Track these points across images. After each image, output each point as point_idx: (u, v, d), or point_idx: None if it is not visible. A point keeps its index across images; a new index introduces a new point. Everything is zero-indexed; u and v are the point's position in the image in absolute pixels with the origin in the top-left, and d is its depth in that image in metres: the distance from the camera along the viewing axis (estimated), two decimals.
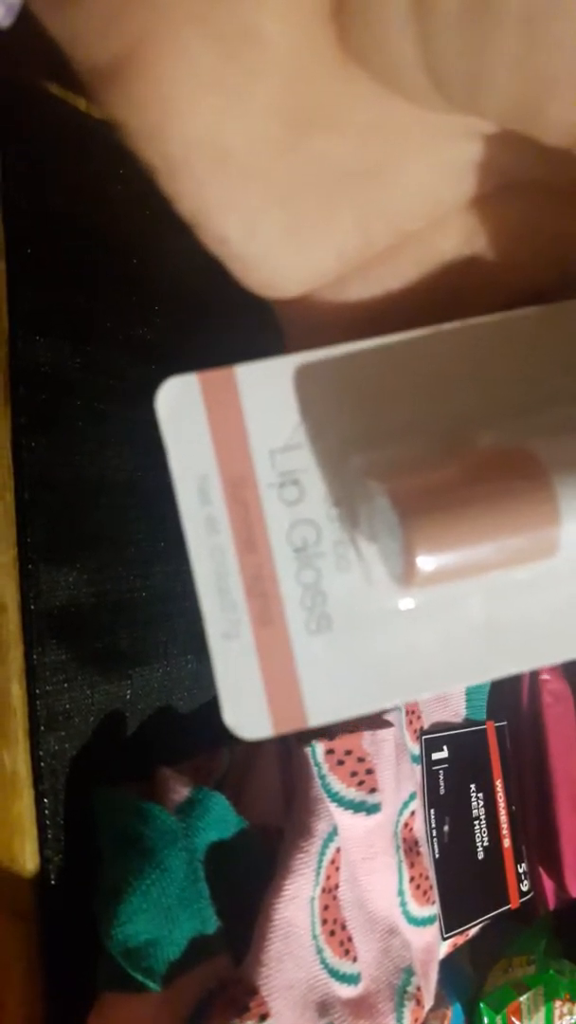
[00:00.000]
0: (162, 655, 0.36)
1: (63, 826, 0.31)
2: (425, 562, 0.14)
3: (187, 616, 0.36)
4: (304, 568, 0.16)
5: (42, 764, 0.31)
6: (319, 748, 0.38)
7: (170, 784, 0.32)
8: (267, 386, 0.16)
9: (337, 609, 0.16)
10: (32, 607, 0.30)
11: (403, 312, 0.16)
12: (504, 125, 0.13)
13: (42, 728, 0.31)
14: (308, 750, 0.37)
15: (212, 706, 0.35)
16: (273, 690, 0.16)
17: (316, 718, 0.16)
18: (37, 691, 0.31)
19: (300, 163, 0.14)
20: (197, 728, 0.36)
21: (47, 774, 0.31)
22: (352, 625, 0.16)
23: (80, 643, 0.32)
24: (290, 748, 0.39)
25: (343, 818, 0.38)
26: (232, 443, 0.16)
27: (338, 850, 0.36)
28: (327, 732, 0.39)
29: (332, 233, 0.15)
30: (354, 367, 0.16)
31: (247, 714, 0.16)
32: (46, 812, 0.31)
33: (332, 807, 0.37)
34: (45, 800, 0.31)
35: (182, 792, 0.32)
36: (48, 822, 0.31)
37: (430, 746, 0.44)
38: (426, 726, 0.45)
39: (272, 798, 0.36)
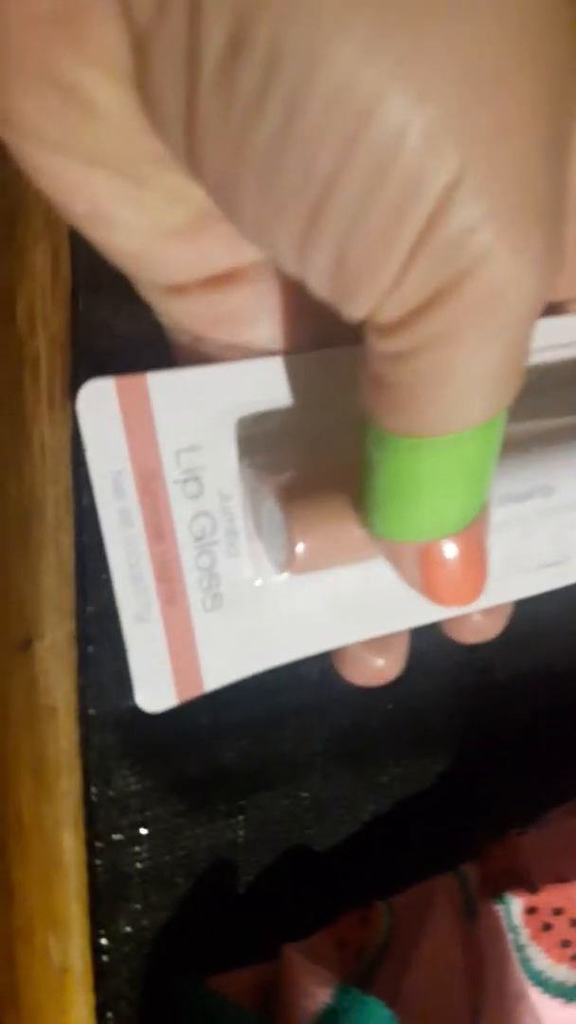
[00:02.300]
0: (288, 773, 0.31)
1: None
2: (304, 554, 0.20)
3: (331, 712, 0.31)
4: (202, 554, 0.21)
5: (104, 957, 0.27)
6: (516, 906, 0.31)
7: (302, 981, 0.27)
8: (174, 392, 0.20)
9: (228, 588, 0.21)
10: (91, 711, 0.26)
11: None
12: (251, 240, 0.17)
13: (104, 899, 0.27)
14: (500, 908, 0.30)
15: (362, 839, 0.33)
16: (176, 664, 0.21)
17: (211, 683, 0.21)
18: (98, 844, 0.26)
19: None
20: (342, 873, 0.32)
21: (110, 970, 0.27)
22: (239, 601, 0.21)
23: (163, 763, 0.28)
24: (475, 905, 0.31)
25: (551, 1011, 0.31)
26: (144, 443, 0.20)
27: None
28: (528, 883, 0.32)
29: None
30: (245, 380, 0.21)
31: (155, 690, 0.21)
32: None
33: (535, 997, 0.30)
34: (108, 1013, 0.26)
35: (319, 996, 0.27)
36: None
37: None
38: None
39: (449, 985, 0.30)
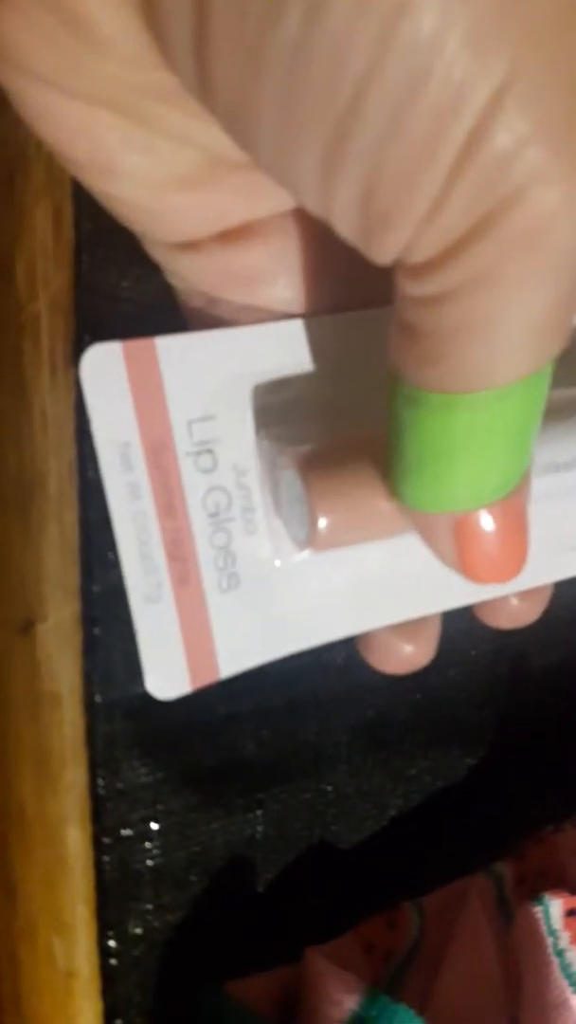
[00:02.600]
0: (310, 764, 0.30)
1: None
2: (327, 529, 0.19)
3: (356, 700, 0.31)
4: (217, 532, 0.20)
5: (113, 960, 0.26)
6: (555, 907, 0.30)
7: (327, 986, 0.26)
8: (185, 358, 0.20)
9: (244, 568, 0.21)
10: (98, 697, 0.25)
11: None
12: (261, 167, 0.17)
13: (112, 899, 0.26)
14: (539, 910, 0.29)
15: (389, 836, 0.33)
16: (190, 648, 0.20)
17: (227, 669, 0.20)
18: (106, 840, 0.26)
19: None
20: (367, 871, 0.32)
21: (119, 975, 0.26)
22: (257, 582, 0.21)
23: (176, 753, 0.28)
24: (510, 907, 0.31)
25: None
26: (153, 412, 0.20)
27: None
28: (567, 882, 0.31)
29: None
30: (261, 345, 0.20)
31: (167, 675, 0.20)
32: None
33: None
34: (117, 1021, 0.26)
35: (345, 1003, 0.26)
36: None
37: None
38: None
39: (483, 992, 0.29)
